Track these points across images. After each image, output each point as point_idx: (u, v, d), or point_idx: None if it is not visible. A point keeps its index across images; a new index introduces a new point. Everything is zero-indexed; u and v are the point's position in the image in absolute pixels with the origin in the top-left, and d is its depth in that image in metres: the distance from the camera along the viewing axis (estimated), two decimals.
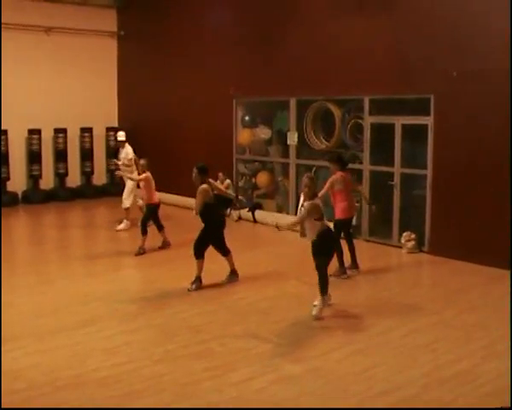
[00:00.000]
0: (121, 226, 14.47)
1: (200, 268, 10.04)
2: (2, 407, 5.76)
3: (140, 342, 7.89)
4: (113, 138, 19.94)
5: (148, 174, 12.68)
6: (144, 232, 12.35)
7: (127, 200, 14.55)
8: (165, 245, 12.81)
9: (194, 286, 9.94)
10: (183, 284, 9.91)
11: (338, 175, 10.71)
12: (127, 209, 14.58)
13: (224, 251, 10.34)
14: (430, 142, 12.31)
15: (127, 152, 14.84)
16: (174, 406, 6.23)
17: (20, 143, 18.69)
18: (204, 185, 10.08)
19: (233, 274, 10.43)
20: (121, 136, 15.24)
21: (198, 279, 10.03)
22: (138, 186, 13.39)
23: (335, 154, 11.83)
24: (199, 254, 10.06)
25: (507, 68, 11.00)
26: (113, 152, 18.48)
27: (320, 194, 10.43)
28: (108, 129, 20.01)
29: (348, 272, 10.83)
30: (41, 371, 7.01)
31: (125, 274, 11.35)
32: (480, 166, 11.43)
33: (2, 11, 17.20)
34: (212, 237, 10.14)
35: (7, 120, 17.97)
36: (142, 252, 12.26)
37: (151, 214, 12.67)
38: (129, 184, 14.54)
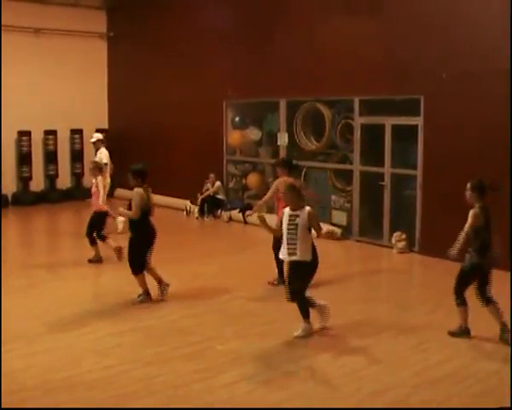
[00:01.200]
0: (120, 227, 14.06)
1: (143, 282, 9.38)
2: (3, 407, 5.74)
3: (130, 344, 7.87)
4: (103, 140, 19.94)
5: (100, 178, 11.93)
6: (103, 239, 11.77)
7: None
8: (98, 259, 11.80)
9: (139, 299, 9.33)
10: (172, 287, 9.87)
11: (281, 180, 10.11)
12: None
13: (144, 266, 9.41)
14: (420, 142, 12.34)
15: (102, 156, 14.40)
16: (165, 407, 6.22)
17: (10, 145, 18.62)
18: (139, 189, 9.35)
19: (161, 285, 9.53)
20: (96, 136, 14.89)
21: (145, 292, 9.39)
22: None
23: (282, 158, 11.61)
24: (138, 269, 9.31)
25: (497, 69, 11.05)
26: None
27: (264, 199, 10.48)
28: (98, 130, 19.90)
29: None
30: (32, 373, 6.98)
31: (114, 277, 11.30)
32: (469, 166, 11.45)
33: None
34: (144, 246, 9.28)
35: None
36: (98, 260, 11.72)
37: (103, 221, 11.87)
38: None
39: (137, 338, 8.06)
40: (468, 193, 7.80)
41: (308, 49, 14.25)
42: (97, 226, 11.72)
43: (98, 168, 11.98)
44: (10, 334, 8.11)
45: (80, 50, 19.52)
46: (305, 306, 8.00)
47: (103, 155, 14.36)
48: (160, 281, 9.48)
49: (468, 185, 7.80)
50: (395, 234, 12.71)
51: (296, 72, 14.50)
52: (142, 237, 9.26)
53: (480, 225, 7.63)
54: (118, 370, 7.04)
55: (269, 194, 10.34)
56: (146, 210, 9.28)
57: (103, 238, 11.75)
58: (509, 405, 6.02)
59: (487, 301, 7.76)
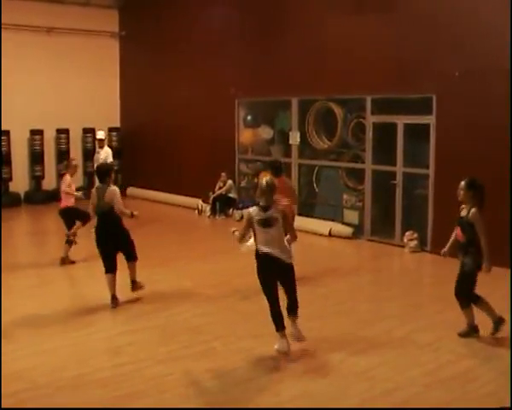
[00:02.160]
0: None
1: (112, 285, 9.22)
2: (3, 407, 5.76)
3: (142, 342, 7.89)
4: (115, 139, 20.02)
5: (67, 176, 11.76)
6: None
7: None
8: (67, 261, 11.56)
9: (112, 305, 9.16)
10: (183, 286, 9.88)
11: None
12: None
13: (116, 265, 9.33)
14: (432, 141, 12.30)
15: (107, 154, 14.48)
16: (176, 406, 6.23)
17: (23, 144, 18.70)
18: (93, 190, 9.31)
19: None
20: (100, 134, 14.90)
21: (113, 297, 9.21)
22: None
23: (272, 161, 11.31)
24: (109, 267, 9.24)
25: (510, 68, 10.98)
26: (114, 153, 18.56)
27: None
28: (110, 129, 20.02)
29: None
30: (42, 371, 7.01)
31: (126, 275, 11.32)
32: (482, 165, 11.39)
33: (2, 12, 17.20)
34: (103, 244, 9.18)
35: (9, 120, 17.97)
36: (69, 262, 11.48)
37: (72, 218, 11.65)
38: None
39: (149, 337, 8.07)
40: (462, 192, 7.79)
41: (320, 47, 14.21)
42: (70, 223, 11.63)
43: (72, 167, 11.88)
44: (21, 332, 8.16)
45: (92, 49, 19.58)
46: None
47: (110, 152, 14.34)
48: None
49: (462, 184, 7.80)
50: (407, 233, 12.67)
51: (308, 70, 14.48)
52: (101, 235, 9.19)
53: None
54: (129, 368, 7.06)
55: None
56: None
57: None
58: (508, 405, 5.99)
59: (477, 299, 7.85)
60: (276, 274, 7.39)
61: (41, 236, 15.19)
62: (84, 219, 11.22)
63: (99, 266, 11.36)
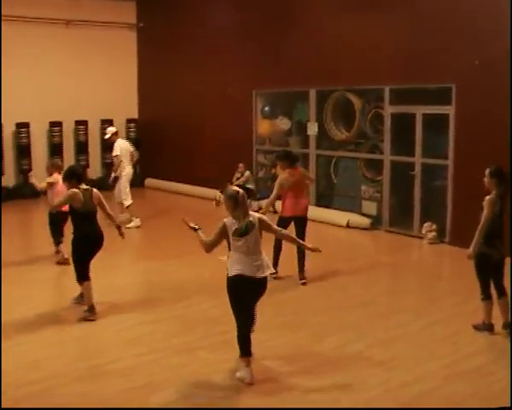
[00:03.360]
0: (132, 225, 14.00)
1: (88, 292, 8.50)
2: (3, 406, 5.78)
3: (159, 333, 7.92)
4: (133, 130, 20.07)
5: (54, 176, 11.34)
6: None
7: (125, 196, 14.15)
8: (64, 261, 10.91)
9: (87, 314, 8.37)
10: (201, 277, 9.89)
11: (286, 173, 9.92)
12: (128, 207, 14.17)
13: (82, 275, 8.50)
14: (451, 131, 12.21)
15: (115, 148, 14.31)
16: (193, 397, 6.24)
17: (42, 136, 18.79)
18: (73, 190, 8.40)
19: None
20: (110, 131, 14.68)
21: (91, 308, 8.42)
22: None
23: (283, 151, 11.14)
24: (79, 276, 8.52)
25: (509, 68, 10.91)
26: (133, 143, 18.64)
27: (271, 198, 10.00)
28: (128, 121, 20.07)
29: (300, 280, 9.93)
30: (61, 361, 7.07)
31: (143, 266, 11.37)
32: (502, 155, 11.29)
33: (21, 5, 17.26)
34: (82, 250, 8.50)
35: (28, 113, 18.08)
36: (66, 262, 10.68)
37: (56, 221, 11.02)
38: (122, 181, 14.23)
39: (166, 327, 8.10)
40: (486, 179, 7.72)
41: (338, 38, 14.13)
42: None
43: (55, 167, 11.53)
44: (40, 322, 8.21)
45: (110, 41, 19.60)
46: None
47: (116, 146, 14.35)
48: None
49: (487, 172, 7.72)
50: (425, 224, 12.60)
51: (326, 61, 14.40)
52: (80, 240, 8.46)
53: (494, 212, 7.53)
54: (146, 359, 7.09)
55: (274, 191, 9.94)
56: (84, 212, 8.41)
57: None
58: (509, 405, 5.94)
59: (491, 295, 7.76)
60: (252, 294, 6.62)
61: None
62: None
63: (119, 258, 11.44)
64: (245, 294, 6.50)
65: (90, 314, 8.34)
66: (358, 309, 8.76)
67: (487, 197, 7.61)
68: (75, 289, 8.84)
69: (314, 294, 9.48)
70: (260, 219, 6.64)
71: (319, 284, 9.91)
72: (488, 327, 7.79)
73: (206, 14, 17.81)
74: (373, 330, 7.95)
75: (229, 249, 6.55)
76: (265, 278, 6.58)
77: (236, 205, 6.52)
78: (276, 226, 6.87)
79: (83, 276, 8.48)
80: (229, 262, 6.54)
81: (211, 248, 6.63)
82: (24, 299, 9.19)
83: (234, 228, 6.45)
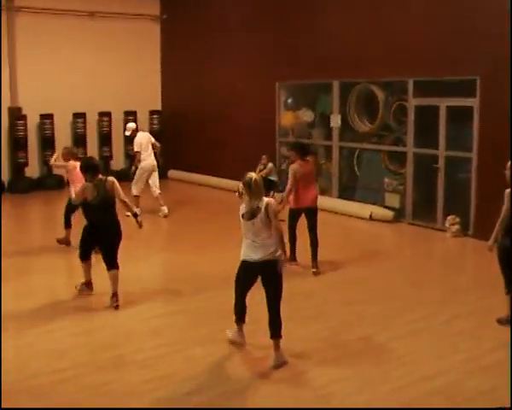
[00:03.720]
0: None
1: (85, 271, 8.95)
2: (3, 406, 5.83)
3: (181, 324, 7.96)
4: (156, 122, 20.13)
5: (70, 163, 11.43)
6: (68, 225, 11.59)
7: (134, 186, 14.32)
8: (65, 242, 11.59)
9: (79, 288, 8.97)
10: (223, 269, 9.88)
11: (296, 164, 10.03)
12: (136, 197, 14.15)
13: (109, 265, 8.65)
14: (476, 124, 12.10)
15: (136, 143, 14.49)
16: (213, 390, 6.27)
17: (66, 127, 18.90)
18: (85, 184, 8.64)
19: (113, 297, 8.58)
20: (130, 128, 14.88)
21: (85, 284, 8.99)
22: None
23: (297, 142, 11.25)
24: (80, 254, 8.93)
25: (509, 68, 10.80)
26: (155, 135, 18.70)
27: (287, 189, 10.05)
28: (152, 112, 20.14)
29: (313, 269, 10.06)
30: (84, 350, 7.14)
31: (165, 258, 11.40)
32: None
33: None
34: (87, 235, 8.81)
35: (52, 104, 18.23)
36: (67, 244, 11.48)
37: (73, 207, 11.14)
38: (138, 171, 14.46)
39: (187, 319, 8.13)
40: (507, 172, 7.71)
41: (361, 30, 14.06)
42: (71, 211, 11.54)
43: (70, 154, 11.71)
44: (65, 312, 8.30)
45: (134, 33, 19.67)
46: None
47: (136, 142, 14.43)
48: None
49: (509, 164, 7.70)
50: (449, 217, 12.52)
51: (349, 53, 14.34)
52: (86, 227, 8.85)
53: None
54: (167, 350, 7.13)
55: (290, 182, 10.00)
56: (97, 203, 8.52)
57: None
58: (509, 405, 5.89)
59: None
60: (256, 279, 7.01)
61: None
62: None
63: (138, 250, 11.48)
64: (245, 277, 7.02)
65: (85, 289, 8.93)
66: (381, 302, 8.74)
67: (507, 190, 7.58)
68: (98, 278, 8.91)
69: (337, 286, 9.46)
70: (267, 204, 6.78)
71: (342, 277, 9.90)
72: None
73: (229, 6, 17.81)
74: (396, 323, 7.93)
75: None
76: (265, 260, 6.76)
77: (250, 190, 6.76)
78: (275, 219, 6.84)
79: (81, 256, 8.87)
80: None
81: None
82: (47, 288, 9.29)
83: (242, 212, 6.81)
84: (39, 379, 6.40)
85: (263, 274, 6.87)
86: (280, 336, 6.80)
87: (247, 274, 6.99)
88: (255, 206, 6.73)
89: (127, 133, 14.95)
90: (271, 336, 6.80)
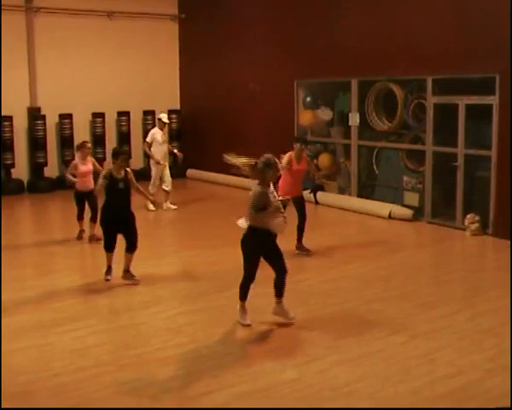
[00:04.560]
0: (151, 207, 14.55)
1: (109, 259, 9.60)
2: (3, 406, 5.87)
3: (201, 322, 7.99)
4: (175, 121, 20.16)
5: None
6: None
7: (151, 186, 14.80)
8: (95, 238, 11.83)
9: (107, 277, 9.57)
10: (241, 267, 9.91)
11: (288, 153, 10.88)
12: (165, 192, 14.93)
13: (128, 245, 9.44)
14: (495, 122, 12.05)
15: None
16: (234, 388, 6.29)
17: (85, 127, 18.99)
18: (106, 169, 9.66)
19: (126, 273, 9.50)
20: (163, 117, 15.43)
21: (108, 269, 9.62)
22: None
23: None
24: (110, 247, 9.55)
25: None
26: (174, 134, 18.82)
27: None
28: (171, 111, 20.18)
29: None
30: (106, 349, 7.19)
31: (185, 256, 11.44)
32: None
33: None
34: (104, 224, 9.46)
35: (72, 103, 18.37)
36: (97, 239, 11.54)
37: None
38: (153, 170, 15.08)
39: (208, 317, 8.16)
40: None
41: (380, 27, 14.04)
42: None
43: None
44: (87, 311, 8.36)
45: (152, 33, 19.75)
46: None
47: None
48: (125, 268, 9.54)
49: None
50: (468, 216, 12.47)
51: (368, 51, 14.31)
52: (107, 219, 9.41)
53: None
54: (189, 348, 7.17)
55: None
56: (110, 188, 9.33)
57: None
58: (509, 405, 5.86)
59: None
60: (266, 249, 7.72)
61: None
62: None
63: (162, 248, 11.52)
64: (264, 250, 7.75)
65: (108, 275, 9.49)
66: (402, 300, 8.73)
67: None
68: (117, 279, 8.96)
69: (357, 285, 9.45)
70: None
71: (361, 276, 9.90)
72: None
73: (247, 5, 17.82)
74: (417, 321, 7.92)
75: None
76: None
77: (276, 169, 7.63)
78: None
79: (109, 248, 9.49)
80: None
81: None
82: (68, 287, 9.37)
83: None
84: (61, 378, 6.44)
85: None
86: (282, 295, 7.77)
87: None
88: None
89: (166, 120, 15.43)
90: (278, 295, 7.80)
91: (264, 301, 8.23)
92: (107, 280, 9.48)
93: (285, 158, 10.64)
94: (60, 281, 9.83)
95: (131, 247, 9.37)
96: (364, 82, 14.74)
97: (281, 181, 10.33)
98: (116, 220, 9.29)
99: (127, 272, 9.42)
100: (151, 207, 14.35)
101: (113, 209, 9.30)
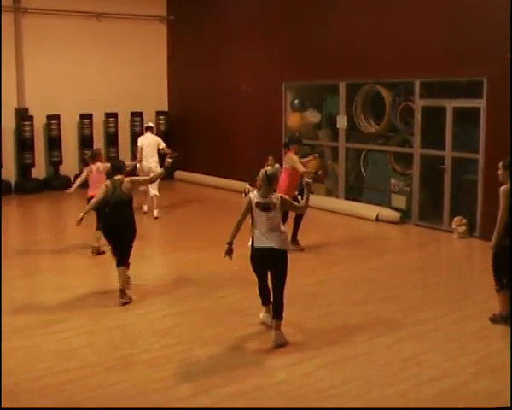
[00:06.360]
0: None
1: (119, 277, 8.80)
2: (3, 407, 5.85)
3: (189, 324, 7.98)
4: (163, 123, 20.12)
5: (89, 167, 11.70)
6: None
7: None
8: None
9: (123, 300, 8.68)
10: (229, 269, 9.92)
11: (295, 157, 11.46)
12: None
13: (118, 260, 8.81)
14: (482, 125, 12.10)
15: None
16: (220, 390, 6.28)
17: (73, 128, 18.94)
18: (106, 182, 9.03)
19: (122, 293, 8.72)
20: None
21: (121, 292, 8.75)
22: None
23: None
24: (119, 260, 8.83)
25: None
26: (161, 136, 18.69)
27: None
28: (158, 113, 20.15)
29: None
30: (93, 351, 7.16)
31: (172, 258, 11.43)
32: None
33: None
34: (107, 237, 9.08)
35: (59, 105, 18.28)
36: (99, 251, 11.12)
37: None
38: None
39: (196, 319, 8.16)
40: (500, 172, 7.80)
41: (369, 30, 14.06)
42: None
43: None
44: (73, 312, 8.33)
45: (141, 34, 19.69)
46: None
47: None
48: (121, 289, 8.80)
49: (501, 164, 7.79)
50: (455, 218, 12.51)
51: (356, 54, 14.34)
52: (109, 232, 9.03)
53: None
54: (176, 350, 7.16)
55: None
56: (109, 202, 8.80)
57: None
58: (509, 405, 5.89)
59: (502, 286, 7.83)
60: (269, 264, 7.42)
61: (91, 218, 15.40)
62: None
63: (148, 250, 11.51)
64: (260, 264, 7.44)
65: (121, 297, 8.66)
66: (388, 302, 8.74)
67: (501, 188, 7.65)
68: (109, 278, 8.94)
69: (343, 287, 9.47)
70: (282, 199, 7.34)
71: (348, 278, 9.91)
72: (505, 318, 7.76)
73: (235, 7, 17.82)
74: (403, 324, 7.94)
75: (252, 224, 7.39)
76: (285, 251, 7.30)
77: (268, 183, 7.26)
78: (296, 205, 7.96)
79: (118, 261, 8.82)
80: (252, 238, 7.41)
81: (240, 224, 7.49)
82: (55, 288, 9.33)
83: (256, 201, 7.27)
84: (46, 380, 6.43)
85: (272, 260, 7.31)
86: (281, 318, 7.29)
87: (259, 261, 7.43)
88: (270, 200, 7.23)
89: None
90: (273, 317, 7.36)
91: (250, 303, 8.24)
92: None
93: (298, 162, 11.23)
94: (46, 282, 9.80)
95: (120, 261, 8.78)
96: (352, 85, 14.76)
97: (280, 181, 10.26)
98: (112, 230, 8.85)
99: (123, 293, 8.69)
100: (145, 208, 14.43)
101: (109, 220, 8.92)
